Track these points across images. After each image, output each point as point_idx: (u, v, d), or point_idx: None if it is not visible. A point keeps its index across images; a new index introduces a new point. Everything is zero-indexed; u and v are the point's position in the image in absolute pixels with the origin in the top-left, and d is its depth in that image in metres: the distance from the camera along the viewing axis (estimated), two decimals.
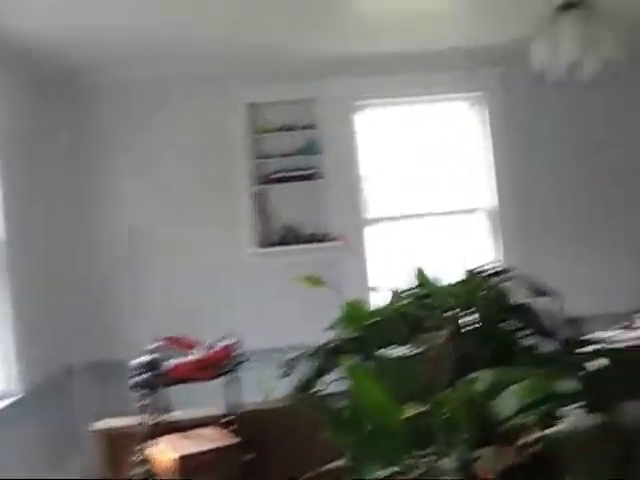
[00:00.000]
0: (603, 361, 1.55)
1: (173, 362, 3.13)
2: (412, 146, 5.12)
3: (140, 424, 3.13)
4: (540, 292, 1.79)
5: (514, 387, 1.27)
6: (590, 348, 1.68)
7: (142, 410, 3.12)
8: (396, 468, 1.36)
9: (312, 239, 4.88)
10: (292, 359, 1.90)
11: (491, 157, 5.04)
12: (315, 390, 1.80)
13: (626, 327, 4.06)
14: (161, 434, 3.16)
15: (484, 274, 1.85)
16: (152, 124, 4.87)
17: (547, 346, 1.72)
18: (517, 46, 3.51)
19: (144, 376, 3.07)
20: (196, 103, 4.89)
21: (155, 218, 4.86)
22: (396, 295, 1.91)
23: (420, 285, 1.91)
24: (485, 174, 5.08)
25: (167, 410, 3.25)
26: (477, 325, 1.65)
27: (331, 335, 1.88)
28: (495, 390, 1.27)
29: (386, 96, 5.08)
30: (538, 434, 1.27)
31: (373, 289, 4.60)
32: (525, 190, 5.00)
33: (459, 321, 1.65)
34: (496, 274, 1.90)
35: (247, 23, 4.02)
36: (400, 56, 4.70)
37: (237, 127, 4.87)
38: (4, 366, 3.74)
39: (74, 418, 4.29)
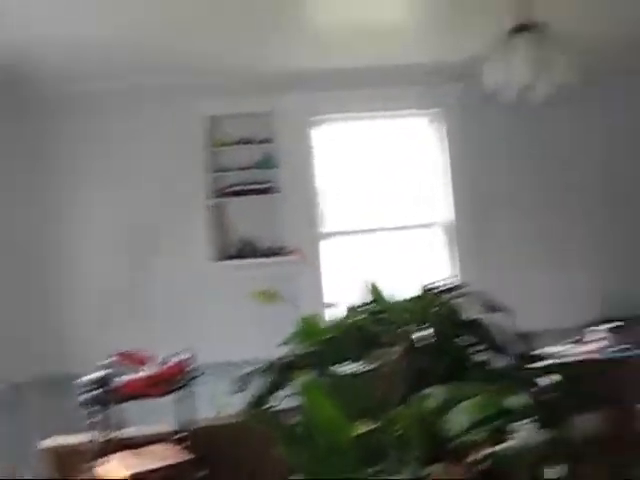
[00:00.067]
0: (554, 376, 1.57)
1: (125, 378, 3.07)
2: (370, 161, 5.15)
3: (90, 441, 3.06)
4: (492, 308, 1.81)
5: (465, 403, 1.28)
6: (541, 363, 1.70)
7: (92, 427, 3.05)
8: None
9: (269, 253, 4.86)
10: (247, 374, 1.89)
11: (449, 172, 5.10)
12: (269, 406, 1.78)
13: (577, 342, 4.14)
14: (112, 451, 3.10)
15: (438, 290, 1.86)
16: (111, 137, 4.82)
17: (500, 361, 1.74)
18: (474, 64, 3.57)
19: (95, 393, 3.00)
20: (154, 116, 4.84)
21: (109, 231, 4.80)
22: (351, 310, 1.91)
23: (375, 301, 1.91)
24: (442, 189, 5.13)
25: (119, 427, 3.19)
26: (431, 341, 1.66)
27: (286, 350, 1.87)
28: (447, 406, 1.27)
29: (344, 111, 5.09)
30: (488, 450, 1.27)
31: (329, 305, 4.60)
32: (482, 205, 5.06)
33: (413, 337, 1.66)
34: (450, 290, 1.92)
35: (205, 36, 4.01)
36: (358, 71, 4.73)
37: (195, 140, 4.84)
38: None
39: (22, 436, 4.17)
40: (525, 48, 3.22)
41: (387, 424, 1.33)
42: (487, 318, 1.80)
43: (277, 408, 1.79)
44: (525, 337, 1.82)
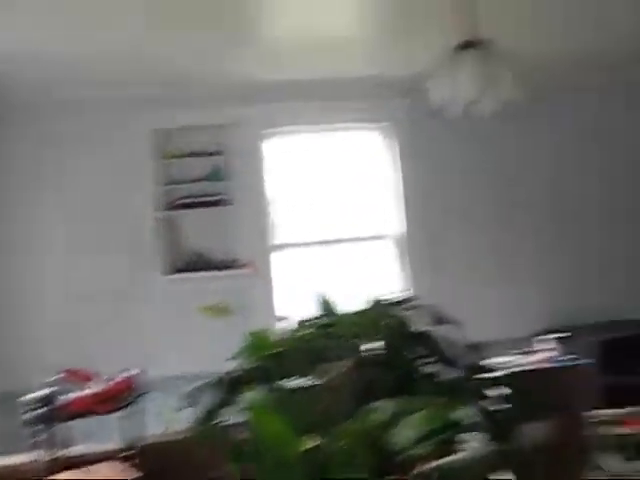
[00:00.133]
0: (502, 387, 1.58)
1: (71, 396, 3.00)
2: (321, 173, 5.17)
3: (35, 461, 2.97)
4: (441, 320, 1.82)
5: (412, 417, 1.28)
6: (490, 374, 1.72)
7: (37, 446, 2.96)
8: None
9: (221, 266, 4.82)
10: (195, 389, 1.86)
11: (401, 185, 5.14)
12: (217, 421, 1.76)
13: (526, 352, 4.22)
14: (58, 471, 3.01)
15: (387, 302, 1.86)
16: (64, 146, 4.76)
17: (449, 373, 1.75)
18: (422, 79, 3.62)
19: (39, 411, 2.92)
20: (102, 128, 4.79)
21: (56, 245, 4.70)
22: (301, 324, 1.90)
23: (325, 314, 1.90)
24: (394, 202, 5.17)
25: (65, 445, 3.10)
26: (380, 354, 1.66)
27: (235, 364, 1.84)
28: (394, 420, 1.27)
29: (296, 123, 5.11)
30: (434, 463, 1.27)
31: (280, 318, 4.58)
32: (433, 218, 5.12)
33: (362, 350, 1.65)
34: (400, 303, 1.92)
35: (157, 49, 3.98)
36: (310, 84, 4.74)
37: (145, 152, 4.79)
38: None
39: None
40: (471, 64, 3.25)
41: (333, 438, 1.32)
42: (437, 330, 1.81)
43: (226, 423, 1.76)
44: (475, 348, 1.83)
